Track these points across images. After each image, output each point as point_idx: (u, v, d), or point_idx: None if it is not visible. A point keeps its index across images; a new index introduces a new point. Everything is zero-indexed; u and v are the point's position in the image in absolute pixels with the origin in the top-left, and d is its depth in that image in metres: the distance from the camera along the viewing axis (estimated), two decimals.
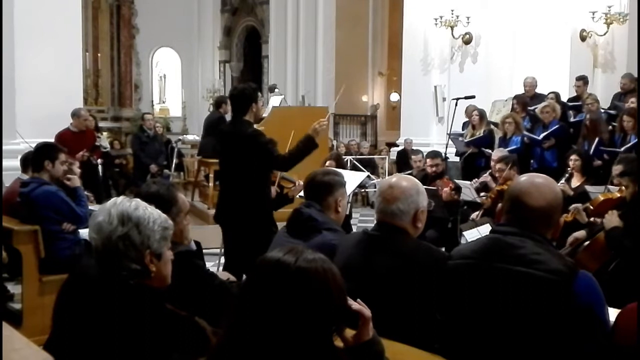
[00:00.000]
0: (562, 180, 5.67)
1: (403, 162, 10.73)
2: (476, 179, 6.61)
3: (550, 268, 2.03)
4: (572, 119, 8.46)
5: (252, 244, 4.36)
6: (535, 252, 2.08)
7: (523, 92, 9.20)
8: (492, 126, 8.71)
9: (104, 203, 1.98)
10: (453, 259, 2.29)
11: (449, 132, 7.71)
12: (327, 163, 6.28)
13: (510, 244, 2.13)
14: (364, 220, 9.83)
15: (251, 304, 1.43)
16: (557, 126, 7.82)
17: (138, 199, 1.98)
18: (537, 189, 2.18)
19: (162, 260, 1.95)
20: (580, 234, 4.66)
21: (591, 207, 4.74)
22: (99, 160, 9.10)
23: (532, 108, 8.57)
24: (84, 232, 4.72)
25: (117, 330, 1.76)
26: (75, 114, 8.24)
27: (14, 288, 5.19)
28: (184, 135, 14.23)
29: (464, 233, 4.99)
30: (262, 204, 4.64)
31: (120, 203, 1.91)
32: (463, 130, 9.11)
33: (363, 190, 10.25)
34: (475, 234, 4.63)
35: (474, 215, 5.96)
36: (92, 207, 5.08)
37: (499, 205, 2.37)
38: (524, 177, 2.29)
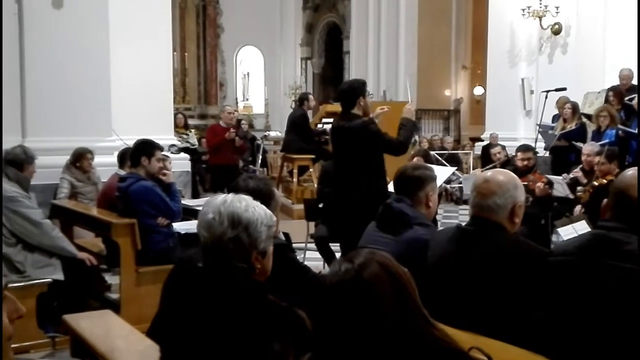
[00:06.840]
0: None
1: (488, 157, 10.50)
2: (566, 174, 6.39)
3: None
4: None
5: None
6: None
7: (618, 84, 8.80)
8: (584, 119, 8.39)
9: (212, 198, 2.02)
10: (554, 256, 2.22)
11: (538, 123, 7.47)
12: (415, 159, 6.20)
13: (616, 240, 2.04)
14: (447, 216, 9.69)
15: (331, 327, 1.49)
16: None
17: (247, 198, 2.00)
18: None
19: (265, 257, 2.00)
20: None
21: None
22: None
23: (627, 98, 8.20)
24: (177, 226, 4.89)
25: (222, 320, 1.81)
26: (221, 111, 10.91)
27: (111, 279, 5.41)
28: (268, 132, 14.47)
29: (558, 229, 4.81)
30: (379, 194, 4.58)
31: (231, 203, 1.94)
32: (553, 123, 8.81)
33: (450, 185, 10.10)
34: (570, 230, 4.47)
35: (577, 208, 5.79)
36: (185, 202, 5.24)
37: (605, 201, 2.26)
38: (630, 171, 2.19)
